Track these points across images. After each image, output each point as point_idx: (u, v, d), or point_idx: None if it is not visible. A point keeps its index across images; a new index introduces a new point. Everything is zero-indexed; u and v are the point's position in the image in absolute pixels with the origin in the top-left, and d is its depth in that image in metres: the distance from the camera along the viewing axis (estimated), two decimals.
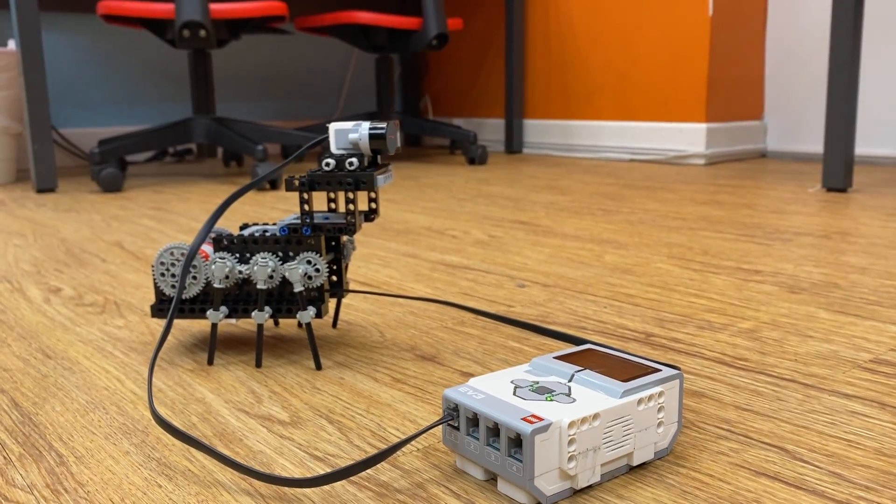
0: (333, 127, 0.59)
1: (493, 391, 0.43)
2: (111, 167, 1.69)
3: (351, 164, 0.59)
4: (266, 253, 0.60)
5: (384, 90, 2.33)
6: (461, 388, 0.43)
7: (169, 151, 2.37)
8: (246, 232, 0.62)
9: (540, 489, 0.39)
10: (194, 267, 0.60)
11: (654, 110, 2.18)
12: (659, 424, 0.43)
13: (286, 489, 0.42)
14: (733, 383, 0.56)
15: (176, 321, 0.74)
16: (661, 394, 0.43)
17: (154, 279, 0.62)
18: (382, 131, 0.58)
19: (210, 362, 0.61)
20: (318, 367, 0.60)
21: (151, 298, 0.82)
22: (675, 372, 0.44)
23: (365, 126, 0.58)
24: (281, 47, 2.65)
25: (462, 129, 2.19)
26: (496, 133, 2.62)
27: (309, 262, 0.59)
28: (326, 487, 0.42)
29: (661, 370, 0.44)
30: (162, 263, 0.62)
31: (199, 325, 0.72)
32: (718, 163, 2.12)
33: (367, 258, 1.00)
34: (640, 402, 0.42)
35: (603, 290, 0.82)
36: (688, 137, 2.10)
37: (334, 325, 0.70)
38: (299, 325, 0.68)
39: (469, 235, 1.14)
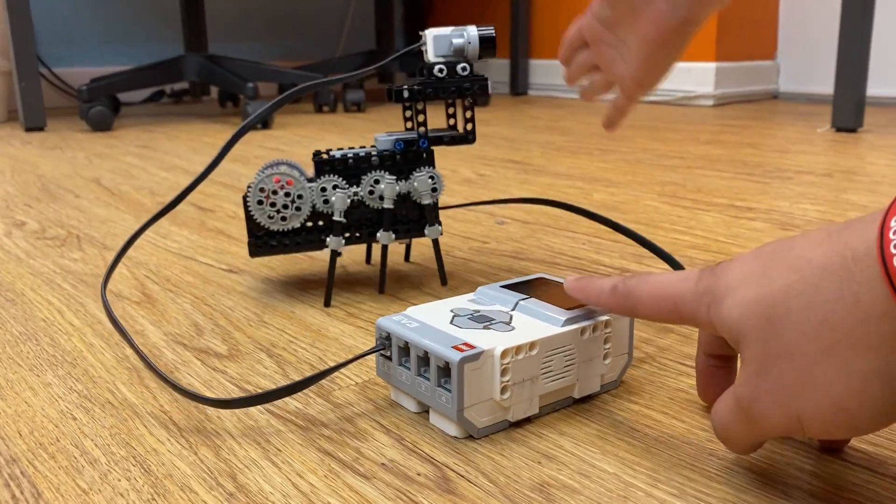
0: (432, 33, 0.55)
1: (430, 320, 0.39)
2: (100, 105, 1.65)
3: (464, 69, 0.54)
4: (379, 171, 0.55)
5: (384, 29, 2.26)
6: (395, 316, 0.40)
7: (166, 92, 2.32)
8: (338, 154, 0.56)
9: (470, 421, 0.36)
10: (300, 197, 0.54)
11: None
12: (605, 356, 0.40)
13: (207, 424, 0.39)
14: None
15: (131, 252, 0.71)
16: (607, 324, 0.39)
17: (248, 208, 0.54)
18: (494, 34, 0.54)
19: (327, 304, 0.56)
20: (444, 282, 0.58)
21: (115, 232, 0.79)
22: None
23: (472, 29, 0.54)
24: None
25: None
26: (501, 74, 2.55)
27: (431, 178, 0.56)
28: (249, 422, 0.39)
29: None
30: (262, 190, 0.54)
31: (157, 258, 0.69)
32: (728, 104, 2.05)
33: None
34: (583, 331, 0.38)
35: (584, 228, 0.78)
36: (696, 77, 2.03)
37: (408, 258, 0.66)
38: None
39: (457, 174, 1.10)
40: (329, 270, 0.56)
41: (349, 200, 0.55)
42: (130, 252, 0.71)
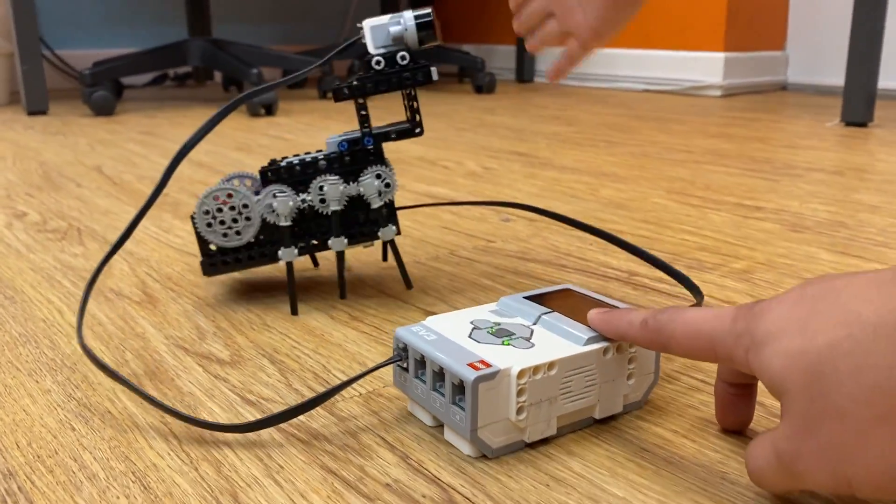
0: (368, 24, 0.53)
1: (448, 332, 0.38)
2: (103, 90, 1.64)
3: (403, 58, 0.52)
4: (328, 174, 0.54)
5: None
6: (414, 327, 0.39)
7: (169, 75, 2.31)
8: (284, 162, 0.54)
9: (484, 441, 0.35)
10: (245, 207, 0.53)
11: (670, 38, 2.08)
12: (629, 376, 0.39)
13: (207, 434, 0.38)
14: None
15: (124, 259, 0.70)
16: (631, 343, 0.38)
17: (197, 230, 0.54)
18: (431, 17, 0.52)
19: (294, 312, 0.54)
20: (409, 286, 0.58)
21: (116, 225, 0.78)
22: None
23: (408, 15, 0.52)
24: None
25: (469, 55, 2.10)
26: (508, 61, 2.53)
27: (379, 176, 0.54)
28: (251, 435, 0.38)
29: None
30: (206, 213, 0.53)
31: (159, 253, 0.68)
32: (736, 94, 2.03)
33: None
34: (605, 351, 0.37)
35: None
36: (704, 67, 2.01)
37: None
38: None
39: (462, 167, 1.09)
40: (288, 280, 0.54)
41: (295, 206, 0.53)
42: (132, 247, 0.71)
